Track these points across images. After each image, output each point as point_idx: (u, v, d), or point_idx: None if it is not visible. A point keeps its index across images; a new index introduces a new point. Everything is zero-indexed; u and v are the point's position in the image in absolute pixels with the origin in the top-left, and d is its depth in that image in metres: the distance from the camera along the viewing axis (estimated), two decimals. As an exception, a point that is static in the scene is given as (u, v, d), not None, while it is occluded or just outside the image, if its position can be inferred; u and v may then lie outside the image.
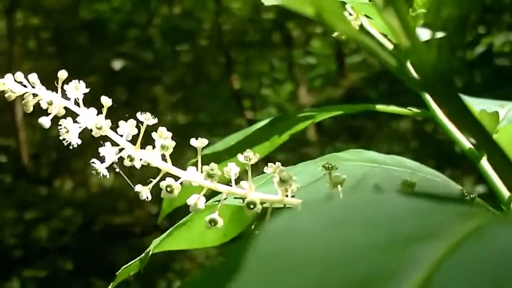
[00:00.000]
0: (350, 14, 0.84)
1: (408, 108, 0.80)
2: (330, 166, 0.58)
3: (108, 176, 0.57)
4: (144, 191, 0.58)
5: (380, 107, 0.79)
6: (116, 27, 6.87)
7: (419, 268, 0.26)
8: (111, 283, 0.72)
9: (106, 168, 0.58)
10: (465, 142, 0.75)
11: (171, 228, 0.69)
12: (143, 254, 0.69)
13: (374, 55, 0.41)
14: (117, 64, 6.75)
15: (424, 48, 0.40)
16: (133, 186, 0.58)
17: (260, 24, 6.78)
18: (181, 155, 0.67)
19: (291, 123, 0.82)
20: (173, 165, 0.58)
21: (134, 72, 6.93)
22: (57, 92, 0.59)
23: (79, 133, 0.58)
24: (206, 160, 0.60)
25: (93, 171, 0.57)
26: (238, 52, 7.21)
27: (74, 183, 6.68)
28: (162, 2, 6.93)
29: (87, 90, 0.59)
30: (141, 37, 6.93)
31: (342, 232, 0.29)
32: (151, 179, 0.58)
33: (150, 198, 0.59)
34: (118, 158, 0.58)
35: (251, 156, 0.58)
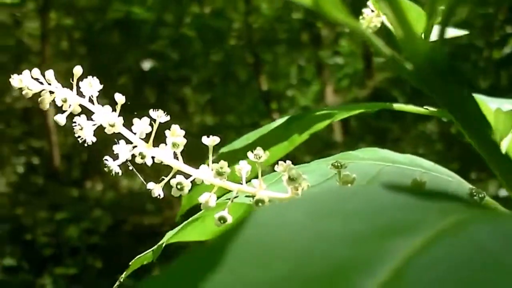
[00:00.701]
0: (372, 11, 0.84)
1: (425, 107, 0.80)
2: (339, 164, 0.58)
3: (120, 174, 0.58)
4: (156, 189, 0.59)
5: (397, 106, 0.79)
6: (146, 27, 6.90)
7: (392, 260, 0.27)
8: (124, 273, 0.73)
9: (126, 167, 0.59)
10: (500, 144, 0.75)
11: (184, 222, 0.70)
12: (155, 246, 0.70)
13: (370, 45, 0.42)
14: (147, 65, 6.78)
15: (418, 39, 0.40)
16: (145, 183, 0.59)
17: (288, 23, 6.78)
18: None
19: (310, 122, 0.82)
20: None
21: (163, 72, 6.96)
22: (72, 90, 0.60)
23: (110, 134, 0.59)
24: (224, 159, 0.60)
25: (105, 168, 0.58)
26: (266, 52, 7.22)
27: (104, 185, 6.74)
28: (193, 1, 6.95)
29: (101, 87, 0.59)
30: (172, 36, 6.95)
31: (323, 223, 0.30)
32: (163, 177, 0.59)
33: (162, 195, 0.59)
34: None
35: (261, 154, 0.58)
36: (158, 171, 0.60)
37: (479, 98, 0.83)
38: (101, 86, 0.60)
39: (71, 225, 5.83)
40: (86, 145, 0.59)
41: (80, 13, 7.29)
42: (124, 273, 0.73)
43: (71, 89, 0.60)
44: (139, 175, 0.61)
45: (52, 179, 6.58)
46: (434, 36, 0.83)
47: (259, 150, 0.58)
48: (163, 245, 0.70)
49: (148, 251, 0.71)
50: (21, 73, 0.60)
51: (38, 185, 6.63)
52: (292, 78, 7.33)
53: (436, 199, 0.32)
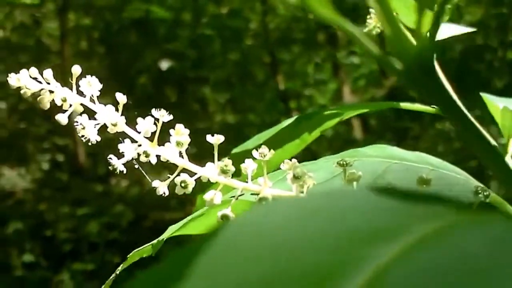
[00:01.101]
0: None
1: (432, 106, 0.79)
2: (344, 163, 0.58)
3: (125, 172, 0.59)
4: (161, 187, 0.59)
5: (404, 104, 0.79)
6: (164, 26, 6.92)
7: (372, 266, 0.26)
8: (121, 265, 0.73)
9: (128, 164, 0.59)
10: (490, 139, 0.74)
11: (188, 217, 0.70)
12: (155, 240, 0.70)
13: (358, 43, 0.41)
14: (164, 64, 6.80)
15: (406, 37, 0.40)
16: (150, 180, 0.59)
17: (305, 23, 6.78)
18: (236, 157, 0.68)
19: (319, 120, 0.82)
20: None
21: (181, 71, 6.98)
22: (72, 89, 0.60)
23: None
24: (236, 158, 0.60)
25: (110, 167, 0.58)
26: (283, 51, 7.23)
27: (129, 181, 6.78)
28: (210, 1, 6.97)
29: (101, 86, 0.59)
30: (189, 36, 6.97)
31: (305, 226, 0.29)
32: (169, 175, 0.59)
33: (167, 193, 0.59)
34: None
35: (266, 152, 0.58)
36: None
37: (487, 97, 0.83)
38: (101, 86, 0.60)
39: (92, 221, 5.87)
40: (111, 142, 0.59)
41: (99, 13, 7.33)
42: (121, 265, 0.73)
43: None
44: (145, 174, 0.61)
45: (77, 176, 6.63)
46: (441, 35, 0.83)
47: (264, 149, 0.58)
48: (164, 239, 0.70)
49: (147, 244, 0.71)
50: (41, 73, 0.60)
51: (63, 181, 6.69)
52: (309, 78, 7.34)
53: (424, 203, 0.32)
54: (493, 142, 0.75)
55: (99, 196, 6.37)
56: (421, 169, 0.69)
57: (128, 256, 0.72)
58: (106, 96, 0.60)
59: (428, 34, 0.44)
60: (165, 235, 0.70)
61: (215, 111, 7.44)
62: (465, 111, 0.46)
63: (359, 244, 0.28)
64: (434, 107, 0.80)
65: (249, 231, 0.29)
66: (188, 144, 0.59)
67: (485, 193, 0.60)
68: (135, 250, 0.71)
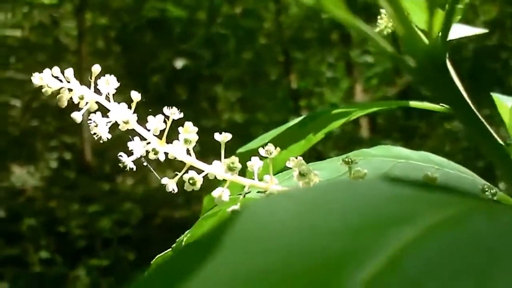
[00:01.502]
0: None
1: (440, 104, 0.80)
2: (350, 160, 0.59)
3: (134, 168, 0.60)
4: (170, 184, 0.60)
5: (413, 103, 0.79)
6: (179, 25, 6.95)
7: (386, 251, 0.27)
8: (146, 272, 0.74)
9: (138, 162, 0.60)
10: (498, 139, 0.75)
11: (200, 218, 0.71)
12: (175, 244, 0.71)
13: (372, 42, 0.42)
14: (179, 63, 6.82)
15: (418, 36, 0.41)
16: (159, 177, 0.60)
17: (318, 22, 6.78)
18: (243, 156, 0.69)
19: (325, 121, 0.83)
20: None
21: (195, 70, 7.00)
22: (89, 88, 0.61)
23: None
24: (242, 158, 0.61)
25: (120, 164, 0.59)
26: (297, 50, 7.23)
27: (134, 179, 6.81)
28: (225, 1, 6.98)
29: (118, 85, 0.61)
30: (204, 35, 6.99)
31: (316, 215, 0.30)
32: (176, 172, 0.60)
33: (176, 190, 0.60)
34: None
35: (272, 149, 0.60)
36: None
37: (498, 96, 0.84)
38: (118, 84, 0.61)
39: (103, 218, 5.91)
40: (117, 141, 0.60)
41: (115, 13, 7.37)
42: (147, 271, 0.74)
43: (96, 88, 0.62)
44: (154, 171, 0.62)
45: (84, 174, 6.68)
46: (453, 35, 0.84)
47: (270, 146, 0.60)
48: (182, 241, 0.71)
49: (168, 250, 0.72)
50: (54, 75, 0.62)
51: (70, 179, 6.73)
52: (322, 76, 7.34)
53: (435, 192, 0.33)
54: (501, 142, 0.76)
55: (107, 194, 6.42)
56: (426, 168, 0.69)
57: (152, 262, 0.73)
58: (120, 95, 0.62)
59: (439, 34, 0.45)
60: (183, 238, 0.71)
61: (223, 110, 7.45)
62: (475, 110, 0.47)
63: (373, 231, 0.29)
64: (443, 106, 0.81)
65: (266, 220, 0.30)
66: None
67: (492, 191, 0.61)
68: (157, 256, 0.72)
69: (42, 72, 0.61)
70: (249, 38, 6.93)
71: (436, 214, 0.30)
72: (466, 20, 0.89)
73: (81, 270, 5.57)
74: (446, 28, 0.45)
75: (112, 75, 0.61)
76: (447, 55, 0.42)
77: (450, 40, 0.49)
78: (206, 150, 0.66)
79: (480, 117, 0.74)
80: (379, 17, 0.87)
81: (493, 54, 5.19)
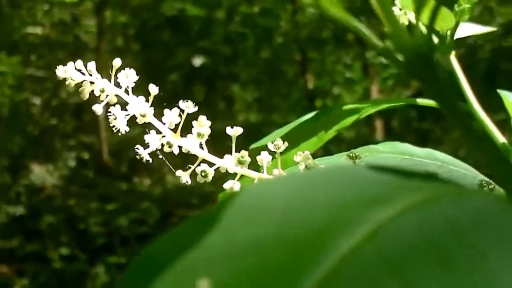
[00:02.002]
0: (400, 9, 0.87)
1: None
2: (354, 155, 0.62)
3: (150, 161, 0.63)
4: (184, 176, 0.63)
5: (420, 100, 0.81)
6: (198, 23, 6.97)
7: (366, 226, 0.31)
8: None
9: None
10: (500, 136, 0.77)
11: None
12: None
13: (365, 39, 0.45)
14: (197, 61, 6.85)
15: (405, 33, 0.43)
16: (174, 170, 0.63)
17: (334, 23, 6.78)
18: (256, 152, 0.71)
19: (336, 117, 0.85)
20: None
21: (213, 69, 7.02)
22: (110, 81, 0.64)
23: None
24: (255, 153, 0.64)
25: (136, 156, 0.62)
26: (313, 50, 7.24)
27: (151, 180, 6.86)
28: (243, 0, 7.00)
29: (137, 78, 0.64)
30: (222, 33, 7.02)
31: (308, 193, 0.34)
32: (189, 166, 0.63)
33: (190, 182, 0.63)
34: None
35: (280, 144, 0.62)
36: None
37: (504, 93, 0.86)
38: (137, 78, 0.64)
39: (121, 216, 5.96)
40: (134, 141, 0.63)
41: (134, 11, 7.41)
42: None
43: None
44: (168, 164, 0.65)
45: (102, 173, 6.73)
46: (462, 33, 0.86)
47: (278, 141, 0.62)
48: None
49: None
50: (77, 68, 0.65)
51: (89, 178, 6.78)
52: (338, 77, 7.34)
53: (413, 178, 0.36)
54: (502, 138, 0.78)
55: (124, 193, 6.46)
56: (430, 164, 0.72)
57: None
58: (138, 91, 0.65)
59: (426, 29, 0.47)
60: None
61: (239, 110, 7.47)
62: (463, 108, 0.49)
63: (356, 208, 0.32)
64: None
65: (261, 197, 0.34)
66: (208, 141, 0.63)
67: (490, 186, 0.63)
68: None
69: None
70: (266, 37, 6.96)
71: (411, 197, 0.34)
72: (482, 22, 0.91)
73: (100, 267, 5.61)
74: (431, 26, 0.47)
75: (132, 70, 0.64)
76: (434, 52, 0.45)
77: (459, 39, 0.51)
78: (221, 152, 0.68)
79: (482, 116, 0.76)
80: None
81: (510, 55, 5.18)
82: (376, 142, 0.82)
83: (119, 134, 0.64)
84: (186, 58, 6.94)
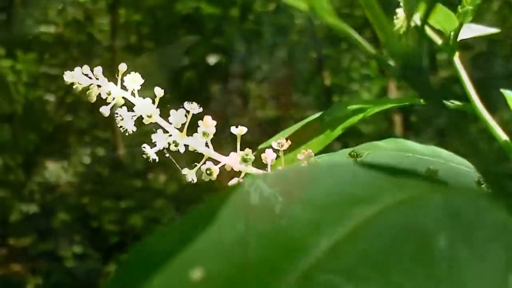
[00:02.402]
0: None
1: (451, 101, 0.84)
2: (355, 154, 0.64)
3: (157, 160, 0.65)
4: (189, 174, 0.65)
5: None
6: (212, 21, 6.99)
7: (347, 225, 0.33)
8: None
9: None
10: (502, 134, 0.79)
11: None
12: None
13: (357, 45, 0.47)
14: (212, 59, 6.88)
15: (396, 39, 0.45)
16: (180, 168, 0.65)
17: (352, 20, 6.79)
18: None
19: (342, 116, 0.86)
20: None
21: (227, 67, 7.04)
22: (116, 84, 0.66)
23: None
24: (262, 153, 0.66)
25: (143, 155, 0.64)
26: (329, 48, 7.24)
27: (167, 176, 6.87)
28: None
29: (142, 81, 0.66)
30: (236, 32, 7.03)
31: (295, 192, 0.36)
32: (195, 163, 0.65)
33: (196, 180, 0.65)
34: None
35: (283, 142, 0.64)
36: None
37: (507, 93, 0.87)
38: (143, 81, 0.66)
39: (135, 214, 5.97)
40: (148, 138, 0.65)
41: (148, 10, 7.42)
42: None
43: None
44: (175, 162, 0.67)
45: (116, 170, 6.75)
46: (464, 34, 0.87)
47: (281, 140, 0.64)
48: None
49: None
50: (92, 67, 0.67)
51: (103, 175, 6.80)
52: (354, 73, 7.34)
53: (399, 176, 0.38)
54: (504, 136, 0.79)
55: (139, 190, 6.47)
56: (431, 161, 0.73)
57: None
58: (151, 89, 0.67)
59: (418, 33, 0.49)
60: None
61: (256, 107, 7.48)
62: (453, 110, 0.50)
63: (342, 207, 0.34)
64: (453, 103, 0.85)
65: (253, 194, 0.36)
66: (228, 138, 0.65)
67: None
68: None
69: (75, 67, 0.67)
70: (282, 34, 6.96)
71: (394, 195, 0.35)
72: (501, 16, 0.92)
73: (114, 265, 5.63)
74: (422, 33, 0.49)
75: (137, 73, 0.66)
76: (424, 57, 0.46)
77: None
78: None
79: (485, 114, 0.77)
80: (394, 16, 0.91)
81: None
82: (395, 137, 0.84)
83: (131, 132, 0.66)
84: (201, 56, 6.95)
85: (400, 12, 0.89)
